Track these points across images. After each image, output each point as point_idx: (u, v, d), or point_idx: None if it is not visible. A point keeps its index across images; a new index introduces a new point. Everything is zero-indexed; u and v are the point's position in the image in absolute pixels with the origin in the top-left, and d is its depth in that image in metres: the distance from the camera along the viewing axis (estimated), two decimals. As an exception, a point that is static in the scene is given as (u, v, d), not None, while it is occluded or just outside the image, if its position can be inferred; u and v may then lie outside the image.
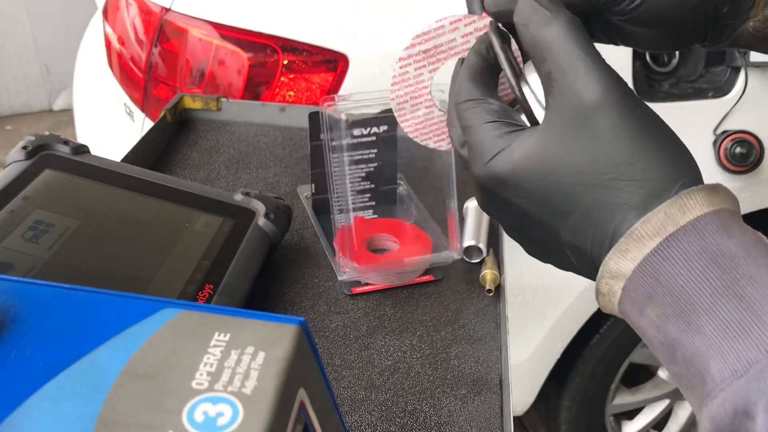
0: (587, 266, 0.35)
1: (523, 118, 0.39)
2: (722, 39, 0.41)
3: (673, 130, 0.35)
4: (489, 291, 0.66)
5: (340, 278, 0.66)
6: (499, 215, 0.38)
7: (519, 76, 0.39)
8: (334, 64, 1.06)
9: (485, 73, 0.40)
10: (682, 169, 0.33)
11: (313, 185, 0.74)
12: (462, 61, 0.42)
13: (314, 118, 0.68)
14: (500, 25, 0.42)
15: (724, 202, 0.32)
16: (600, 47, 0.37)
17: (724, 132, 1.17)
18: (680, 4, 0.38)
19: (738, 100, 1.17)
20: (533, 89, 0.38)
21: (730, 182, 1.19)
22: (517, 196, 0.36)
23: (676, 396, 1.64)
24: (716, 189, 0.32)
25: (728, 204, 0.32)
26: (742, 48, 0.41)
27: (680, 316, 0.31)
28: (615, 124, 0.33)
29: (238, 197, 0.67)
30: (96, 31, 1.57)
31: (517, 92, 0.38)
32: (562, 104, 0.34)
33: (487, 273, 0.67)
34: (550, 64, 0.35)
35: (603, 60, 0.35)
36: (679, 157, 0.33)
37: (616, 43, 0.43)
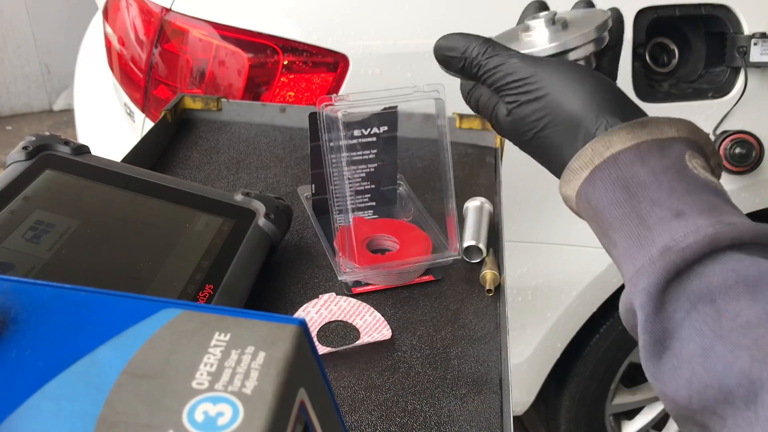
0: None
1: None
2: None
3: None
4: (489, 291, 0.67)
5: (340, 278, 0.66)
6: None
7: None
8: (334, 64, 1.06)
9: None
10: (606, 109, 0.40)
11: (313, 186, 0.74)
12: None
13: (314, 118, 0.68)
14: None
15: (652, 134, 0.38)
16: None
17: (723, 132, 1.17)
18: None
19: (738, 101, 1.17)
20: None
21: (730, 183, 1.20)
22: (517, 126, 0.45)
23: (676, 396, 1.63)
24: (645, 123, 0.38)
25: (659, 134, 0.38)
26: None
27: (604, 233, 0.39)
28: (555, 82, 0.41)
29: (239, 197, 0.67)
30: (96, 32, 1.57)
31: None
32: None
33: (487, 273, 0.67)
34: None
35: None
36: (605, 100, 0.40)
37: None
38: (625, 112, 0.40)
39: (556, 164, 0.42)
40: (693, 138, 0.39)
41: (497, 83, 0.44)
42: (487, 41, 0.45)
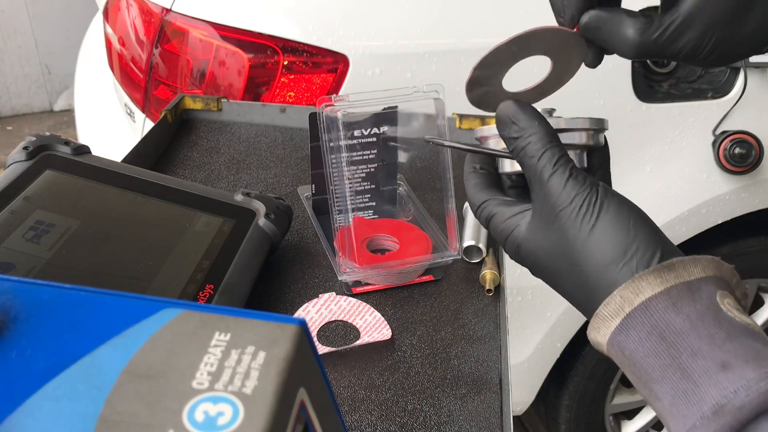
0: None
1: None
2: None
3: (645, 214, 0.41)
4: (489, 291, 0.67)
5: (340, 278, 0.66)
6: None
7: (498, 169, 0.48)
8: (335, 64, 1.06)
9: (484, 179, 0.47)
10: (629, 249, 0.38)
11: (313, 186, 0.74)
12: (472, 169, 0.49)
13: (314, 118, 0.69)
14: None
15: (680, 277, 0.37)
16: None
17: (723, 132, 1.17)
18: (743, 43, 0.41)
19: (737, 101, 1.17)
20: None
21: (730, 183, 1.19)
22: (531, 269, 0.44)
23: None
24: (671, 266, 0.37)
25: (687, 276, 0.37)
26: None
27: (644, 384, 0.37)
28: (576, 222, 0.39)
29: (239, 197, 0.67)
30: (97, 32, 1.57)
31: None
32: (538, 206, 0.41)
33: (487, 273, 0.67)
34: (526, 173, 0.42)
35: (570, 163, 0.41)
36: (630, 238, 0.39)
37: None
38: (649, 249, 0.38)
39: (580, 310, 0.41)
40: (719, 275, 0.38)
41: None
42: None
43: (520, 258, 0.44)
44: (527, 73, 0.46)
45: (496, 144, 0.46)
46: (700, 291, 0.36)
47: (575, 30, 0.42)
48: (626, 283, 0.37)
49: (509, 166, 0.46)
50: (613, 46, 0.41)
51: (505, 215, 0.44)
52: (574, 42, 0.43)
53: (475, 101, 0.46)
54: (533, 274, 0.44)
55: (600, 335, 0.39)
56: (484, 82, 0.44)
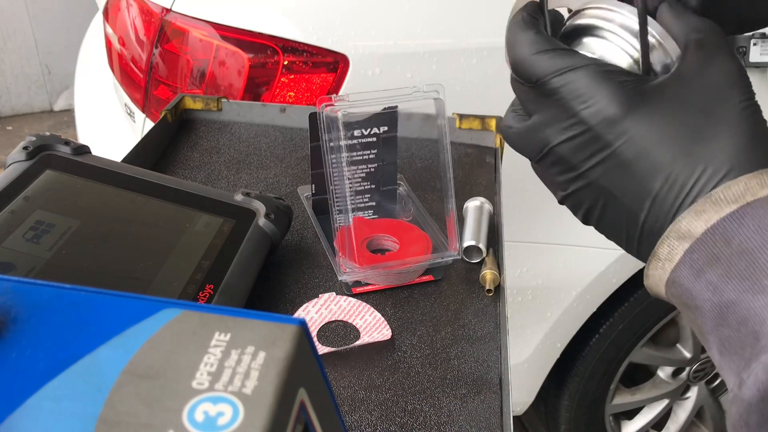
0: (649, 229, 0.37)
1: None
2: None
3: None
4: (489, 291, 0.67)
5: (340, 278, 0.66)
6: (585, 162, 0.40)
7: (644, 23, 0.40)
8: (334, 64, 1.06)
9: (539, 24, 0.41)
10: (758, 151, 0.35)
11: (313, 186, 0.74)
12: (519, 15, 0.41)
13: (314, 118, 0.69)
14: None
15: None
16: None
17: (723, 132, 1.17)
18: None
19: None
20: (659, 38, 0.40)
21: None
22: (624, 133, 0.37)
23: (675, 396, 1.64)
24: None
25: None
26: None
27: (745, 277, 0.32)
28: (732, 104, 0.36)
29: (239, 197, 0.67)
30: (97, 32, 1.57)
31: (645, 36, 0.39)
32: (699, 68, 0.37)
33: (487, 273, 0.67)
34: (704, 38, 0.38)
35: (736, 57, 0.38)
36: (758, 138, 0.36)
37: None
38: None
39: (680, 188, 0.36)
40: None
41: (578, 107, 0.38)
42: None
43: (640, 115, 0.37)
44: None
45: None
46: None
47: None
48: (754, 173, 0.34)
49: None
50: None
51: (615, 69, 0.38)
52: None
53: None
54: (625, 141, 0.37)
55: (701, 220, 0.35)
56: None
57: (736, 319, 0.32)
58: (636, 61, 0.39)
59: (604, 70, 0.38)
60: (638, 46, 0.39)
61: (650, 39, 0.40)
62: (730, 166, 0.35)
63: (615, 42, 0.40)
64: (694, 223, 0.35)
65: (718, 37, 0.39)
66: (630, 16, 0.40)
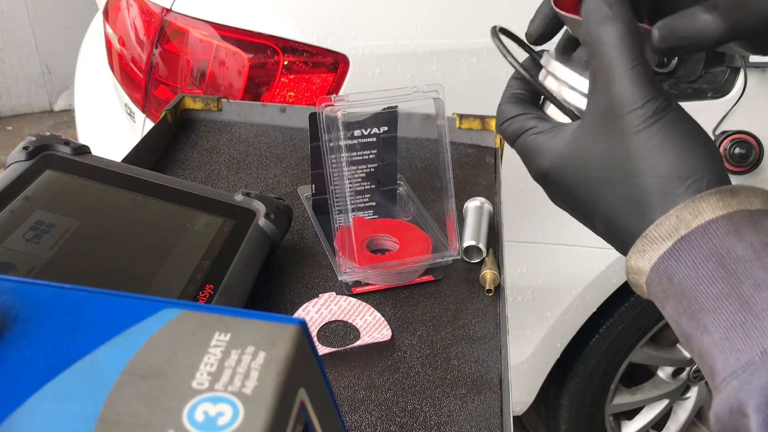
0: (622, 251, 0.38)
1: (559, 116, 0.42)
2: None
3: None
4: (489, 291, 0.67)
5: (340, 278, 0.66)
6: (559, 204, 0.42)
7: (532, 71, 0.42)
8: (334, 64, 1.06)
9: (523, 92, 0.43)
10: (697, 168, 0.34)
11: (313, 186, 0.74)
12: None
13: (314, 118, 0.69)
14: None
15: (742, 204, 0.33)
16: None
17: (723, 132, 1.17)
18: None
19: (737, 101, 1.17)
20: (570, 84, 0.41)
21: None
22: (558, 190, 0.39)
23: (675, 396, 1.64)
24: (734, 191, 0.34)
25: (748, 204, 0.33)
26: None
27: (691, 315, 0.33)
28: (642, 127, 0.35)
29: (239, 197, 0.67)
30: (97, 32, 1.57)
31: (537, 86, 0.41)
32: (600, 103, 0.36)
33: (487, 273, 0.67)
34: (597, 62, 0.37)
35: (648, 68, 0.36)
36: (697, 158, 0.35)
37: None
38: (714, 174, 0.35)
39: (620, 232, 0.37)
40: None
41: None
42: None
43: (555, 173, 0.39)
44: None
45: (557, 87, 0.42)
46: (762, 222, 0.33)
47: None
48: (685, 203, 0.34)
49: (555, 112, 0.42)
50: (698, 43, 0.37)
51: (540, 128, 0.40)
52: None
53: None
54: (560, 198, 0.40)
55: (644, 259, 0.35)
56: None
57: (697, 351, 0.33)
58: (567, 112, 0.41)
59: (533, 134, 0.41)
60: (570, 100, 0.41)
61: (555, 86, 0.42)
62: (662, 196, 0.35)
63: (553, 102, 0.42)
64: (640, 262, 0.35)
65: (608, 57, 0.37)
66: (556, 76, 0.42)
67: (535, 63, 0.45)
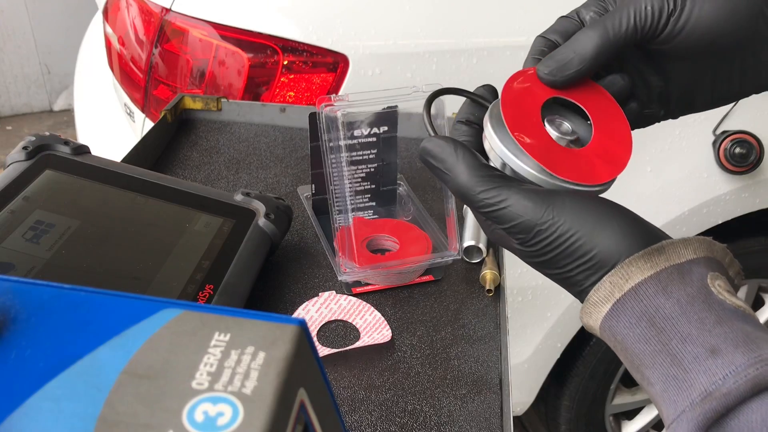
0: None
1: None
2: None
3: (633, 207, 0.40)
4: (489, 291, 0.67)
5: (340, 278, 0.66)
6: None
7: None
8: (334, 64, 1.06)
9: (470, 139, 0.45)
10: (626, 241, 0.37)
11: (313, 185, 0.74)
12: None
13: (314, 118, 0.69)
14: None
15: (670, 259, 0.36)
16: None
17: (723, 132, 1.17)
18: (728, 17, 0.41)
19: (737, 101, 1.17)
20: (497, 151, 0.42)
21: (730, 183, 1.20)
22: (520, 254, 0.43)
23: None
24: (661, 249, 0.36)
25: (677, 258, 0.36)
26: None
27: (636, 369, 0.37)
28: (571, 219, 0.38)
29: (239, 197, 0.67)
30: (96, 32, 1.57)
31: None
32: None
33: (487, 273, 0.67)
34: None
35: (520, 193, 0.39)
36: (624, 231, 0.38)
37: (650, 80, 0.47)
38: (643, 239, 0.38)
39: (574, 291, 0.40)
40: (710, 255, 0.37)
41: (501, 225, 0.40)
42: (478, 167, 0.40)
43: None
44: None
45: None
46: (691, 273, 0.36)
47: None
48: (616, 268, 0.36)
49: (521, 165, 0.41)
50: (581, 56, 0.41)
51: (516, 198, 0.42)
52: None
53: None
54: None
55: (591, 320, 0.38)
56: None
57: (652, 398, 0.36)
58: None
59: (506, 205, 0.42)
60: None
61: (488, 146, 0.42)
62: (615, 258, 0.37)
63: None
64: (589, 321, 0.39)
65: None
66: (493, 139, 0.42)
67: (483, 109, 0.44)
